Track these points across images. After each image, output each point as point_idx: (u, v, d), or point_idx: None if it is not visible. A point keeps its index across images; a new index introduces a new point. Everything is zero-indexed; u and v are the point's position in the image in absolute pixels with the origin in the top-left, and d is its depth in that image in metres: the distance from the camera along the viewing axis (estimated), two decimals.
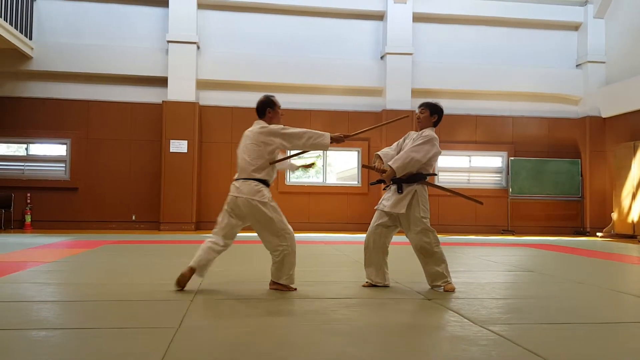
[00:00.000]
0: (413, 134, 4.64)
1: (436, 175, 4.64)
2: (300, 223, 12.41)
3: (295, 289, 4.35)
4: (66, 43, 12.18)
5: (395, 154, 4.59)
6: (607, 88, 13.34)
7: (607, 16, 13.61)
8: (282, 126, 4.35)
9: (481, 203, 4.95)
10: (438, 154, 4.48)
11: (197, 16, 12.55)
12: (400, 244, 9.35)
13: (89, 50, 12.19)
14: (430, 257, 4.43)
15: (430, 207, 4.56)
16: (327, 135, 4.24)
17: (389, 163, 4.43)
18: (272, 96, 4.56)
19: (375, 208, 4.71)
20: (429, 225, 4.42)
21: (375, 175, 4.79)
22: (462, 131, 13.45)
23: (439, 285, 4.44)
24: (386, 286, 4.58)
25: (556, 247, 9.34)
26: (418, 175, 4.44)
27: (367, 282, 4.64)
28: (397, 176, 4.40)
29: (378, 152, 4.75)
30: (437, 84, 13.29)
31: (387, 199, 4.53)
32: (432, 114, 4.58)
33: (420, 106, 4.66)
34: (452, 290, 4.38)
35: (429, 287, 4.51)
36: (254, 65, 12.70)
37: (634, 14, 12.84)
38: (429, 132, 4.52)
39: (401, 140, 4.75)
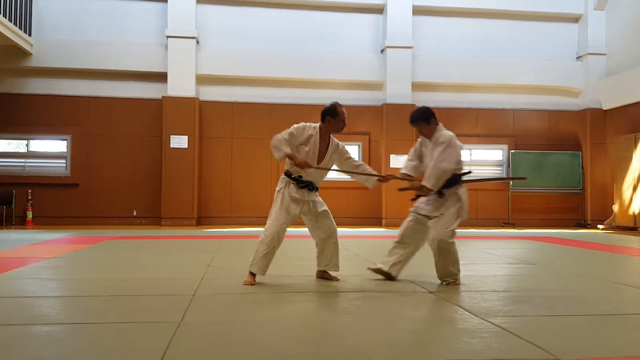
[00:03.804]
0: (427, 141, 4.59)
1: (470, 172, 4.66)
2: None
3: (250, 282, 4.33)
4: (65, 39, 12.16)
5: (417, 164, 4.61)
6: (607, 80, 13.30)
7: (608, 8, 13.55)
8: (287, 131, 4.35)
9: (525, 178, 5.37)
10: (461, 149, 4.47)
11: (196, 11, 12.51)
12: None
13: (89, 46, 12.17)
14: (447, 255, 4.40)
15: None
16: (281, 152, 4.25)
17: (423, 184, 4.39)
18: (337, 105, 4.47)
19: (410, 211, 4.67)
20: (456, 226, 4.41)
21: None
22: (462, 124, 13.41)
23: (448, 281, 4.45)
24: (393, 278, 4.56)
25: (557, 240, 9.34)
26: (455, 178, 4.43)
27: (378, 267, 4.62)
28: (435, 191, 4.39)
29: (402, 171, 4.71)
30: (437, 77, 13.26)
31: (427, 203, 4.52)
32: (429, 121, 4.53)
33: (412, 123, 4.61)
34: (458, 284, 4.42)
35: (438, 280, 4.51)
36: (253, 60, 12.67)
37: (634, 6, 12.78)
38: (444, 132, 4.48)
39: (417, 145, 4.71)
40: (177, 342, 2.67)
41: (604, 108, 13.40)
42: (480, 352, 2.58)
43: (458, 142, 4.46)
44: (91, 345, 2.67)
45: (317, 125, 4.45)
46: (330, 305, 3.67)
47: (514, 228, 12.68)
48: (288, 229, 4.52)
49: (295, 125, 4.39)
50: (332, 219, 4.59)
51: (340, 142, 4.58)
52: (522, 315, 3.40)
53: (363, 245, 7.96)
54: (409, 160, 4.72)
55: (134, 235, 9.49)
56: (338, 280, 4.58)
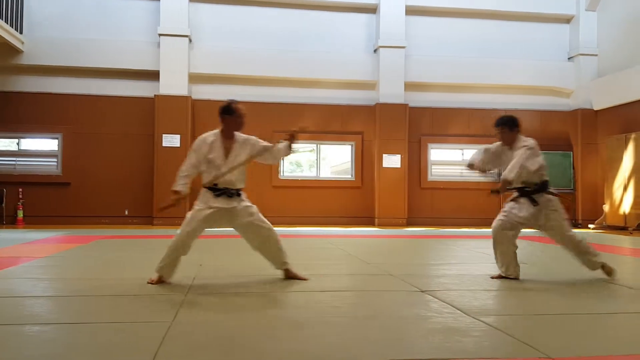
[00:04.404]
0: (506, 149, 4.73)
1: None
2: (294, 217, 12.42)
3: (153, 281, 4.31)
4: (57, 37, 12.08)
5: (485, 161, 4.86)
6: (599, 80, 13.39)
7: (599, 8, 13.64)
8: (189, 156, 4.45)
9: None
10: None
11: (188, 9, 12.47)
12: (395, 237, 9.35)
13: (80, 44, 12.10)
14: (586, 251, 4.69)
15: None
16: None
17: (504, 176, 4.52)
18: (232, 102, 4.41)
19: (502, 213, 4.78)
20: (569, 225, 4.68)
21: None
22: (455, 124, 13.47)
23: (602, 271, 4.70)
24: (516, 278, 4.69)
25: (548, 239, 9.38)
26: (544, 185, 4.62)
27: (499, 274, 4.76)
28: (513, 185, 4.55)
29: (475, 163, 4.93)
30: (430, 77, 13.30)
31: (518, 209, 4.66)
32: (512, 128, 4.69)
33: (496, 126, 4.75)
34: (612, 272, 4.68)
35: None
36: (246, 59, 12.65)
37: (625, 7, 12.87)
38: (528, 139, 4.64)
39: (493, 149, 4.86)
40: (169, 342, 2.66)
41: (595, 108, 13.49)
42: (471, 351, 2.59)
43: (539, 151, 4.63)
44: (82, 345, 2.66)
45: (218, 130, 4.42)
46: (321, 304, 3.67)
47: None
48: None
49: (195, 143, 4.41)
50: (264, 220, 4.43)
51: (249, 136, 4.47)
52: (513, 314, 3.42)
53: (356, 245, 7.96)
54: (481, 153, 4.90)
55: (126, 234, 9.46)
56: (307, 280, 4.46)
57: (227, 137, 4.40)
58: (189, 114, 12.35)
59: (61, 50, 12.00)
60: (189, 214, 4.38)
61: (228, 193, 4.34)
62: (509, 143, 4.70)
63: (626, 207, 11.97)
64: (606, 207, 12.61)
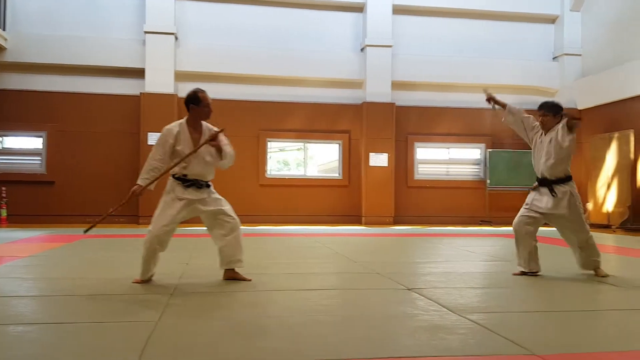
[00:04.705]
0: (542, 133, 4.86)
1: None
2: (282, 215, 12.40)
3: (137, 281, 4.28)
4: (41, 34, 11.93)
5: (519, 118, 5.03)
6: (583, 80, 13.53)
7: (584, 9, 13.78)
8: (155, 146, 4.30)
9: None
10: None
11: (174, 7, 12.39)
12: (382, 236, 9.37)
13: (65, 41, 11.96)
14: (592, 249, 4.76)
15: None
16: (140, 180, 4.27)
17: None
18: (198, 91, 4.31)
19: (524, 213, 4.85)
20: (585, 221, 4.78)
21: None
22: (441, 123, 13.53)
23: (593, 272, 4.81)
24: (536, 273, 4.76)
25: (543, 239, 9.47)
26: (567, 178, 4.75)
27: (520, 271, 4.83)
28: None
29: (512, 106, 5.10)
30: (416, 76, 13.35)
31: (539, 200, 4.76)
32: (555, 114, 4.83)
33: (540, 109, 4.87)
34: (605, 276, 4.69)
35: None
36: (232, 57, 12.59)
37: (609, 7, 13.02)
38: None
39: (534, 124, 4.99)
40: (155, 342, 2.65)
41: (579, 108, 13.63)
42: (456, 348, 2.61)
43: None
44: (66, 345, 2.64)
45: (183, 119, 4.34)
46: (309, 303, 3.67)
47: (491, 226, 12.83)
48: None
49: (161, 135, 4.27)
50: (233, 214, 4.40)
51: (215, 128, 4.35)
52: (499, 311, 3.44)
53: (343, 243, 7.98)
54: (520, 109, 5.05)
55: (111, 234, 9.39)
56: (250, 280, 4.37)
57: (194, 127, 4.32)
58: (175, 112, 12.22)
59: (45, 47, 11.84)
60: (159, 208, 4.31)
61: (197, 184, 4.29)
62: (548, 128, 4.78)
63: (609, 205, 12.12)
64: (590, 206, 12.75)
